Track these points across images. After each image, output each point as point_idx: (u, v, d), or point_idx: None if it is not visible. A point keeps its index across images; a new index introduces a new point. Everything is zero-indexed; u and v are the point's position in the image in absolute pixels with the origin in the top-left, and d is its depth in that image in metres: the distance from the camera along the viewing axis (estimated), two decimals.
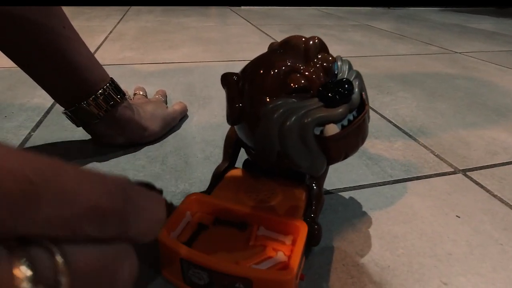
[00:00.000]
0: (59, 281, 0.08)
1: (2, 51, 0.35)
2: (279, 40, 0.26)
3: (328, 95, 0.22)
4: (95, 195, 0.10)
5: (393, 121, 0.55)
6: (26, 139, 0.45)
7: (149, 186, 0.19)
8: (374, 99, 0.63)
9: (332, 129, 0.22)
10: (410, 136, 0.50)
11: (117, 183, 0.10)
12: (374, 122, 0.54)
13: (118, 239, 0.10)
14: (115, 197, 0.10)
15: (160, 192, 0.18)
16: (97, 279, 0.10)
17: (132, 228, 0.10)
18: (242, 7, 1.89)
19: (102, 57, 0.82)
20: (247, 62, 0.24)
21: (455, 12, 2.06)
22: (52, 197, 0.09)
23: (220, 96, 0.62)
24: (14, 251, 0.08)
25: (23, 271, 0.08)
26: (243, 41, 1.06)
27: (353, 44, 1.09)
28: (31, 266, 0.08)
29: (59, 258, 0.09)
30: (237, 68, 0.24)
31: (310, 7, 2.00)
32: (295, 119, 0.21)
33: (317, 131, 0.22)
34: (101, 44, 0.95)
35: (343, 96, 0.22)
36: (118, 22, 1.29)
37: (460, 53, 1.03)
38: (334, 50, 0.26)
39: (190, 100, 0.59)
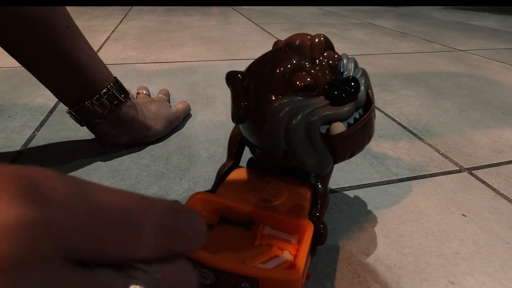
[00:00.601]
0: None
1: (6, 51, 0.35)
2: (281, 39, 0.26)
3: (334, 93, 0.22)
4: (157, 215, 0.11)
5: (397, 120, 0.54)
6: (30, 139, 0.45)
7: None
8: (377, 97, 0.63)
9: (338, 128, 0.22)
10: (414, 134, 0.50)
11: (186, 208, 0.12)
12: (378, 120, 0.54)
13: (178, 255, 0.12)
14: (190, 221, 0.12)
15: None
16: None
17: (190, 244, 0.12)
18: (244, 6, 1.89)
19: (104, 56, 0.82)
20: (250, 61, 0.24)
21: (458, 10, 2.05)
22: (153, 229, 0.10)
23: (223, 94, 0.62)
24: (126, 274, 0.10)
25: None
26: (246, 40, 1.06)
27: (356, 42, 1.08)
28: (140, 282, 0.10)
29: (157, 277, 0.10)
30: (240, 67, 0.24)
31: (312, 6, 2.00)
32: (301, 118, 0.21)
33: (323, 129, 0.22)
34: (103, 44, 0.95)
35: (349, 94, 0.22)
36: (120, 22, 1.29)
37: (463, 50, 1.02)
38: (337, 48, 0.25)
39: (194, 99, 0.59)
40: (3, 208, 0.07)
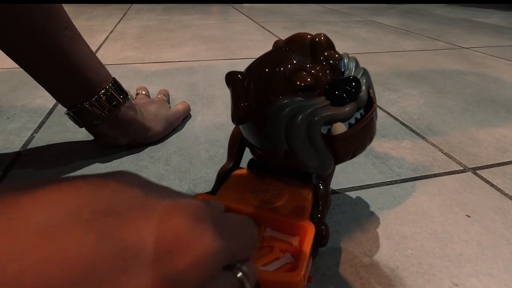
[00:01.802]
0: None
1: (4, 52, 0.35)
2: (282, 38, 0.26)
3: (335, 93, 0.22)
4: (254, 231, 0.16)
5: (400, 119, 0.54)
6: (28, 141, 0.45)
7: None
8: (380, 96, 0.63)
9: (339, 128, 0.22)
10: (417, 134, 0.50)
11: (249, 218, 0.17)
12: (380, 120, 0.54)
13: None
14: (256, 228, 0.17)
15: None
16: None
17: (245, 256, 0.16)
18: (244, 4, 1.89)
19: (103, 56, 0.83)
20: (250, 60, 0.24)
21: (462, 6, 2.04)
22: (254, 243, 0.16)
23: (223, 95, 0.62)
24: (234, 271, 0.14)
25: (241, 278, 0.14)
26: (246, 38, 1.06)
27: (358, 40, 1.08)
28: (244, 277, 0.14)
29: (247, 271, 0.15)
30: (240, 66, 0.25)
31: (313, 3, 2.00)
32: (302, 118, 0.21)
33: (324, 130, 0.22)
34: (102, 44, 0.96)
35: (350, 94, 0.22)
36: (119, 21, 1.30)
37: (468, 48, 1.02)
38: (339, 46, 0.26)
39: (193, 100, 0.59)
40: (208, 238, 0.12)
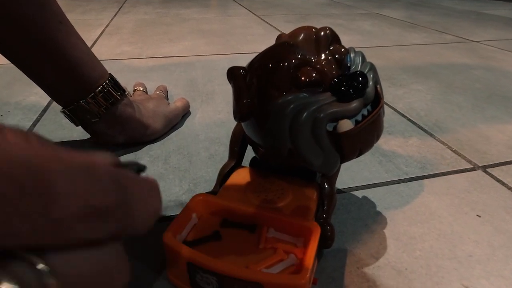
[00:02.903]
0: None
1: None
2: (284, 31, 0.26)
3: (341, 89, 0.22)
4: (88, 192, 0.09)
5: (407, 116, 0.54)
6: None
7: (135, 167, 0.16)
8: (386, 92, 0.63)
9: (346, 125, 0.22)
10: (425, 131, 0.50)
11: (110, 173, 0.10)
12: (387, 116, 0.53)
13: (111, 238, 0.10)
14: (110, 192, 0.09)
15: (143, 168, 0.16)
16: (92, 286, 0.09)
17: (127, 224, 0.10)
18: None
19: (99, 52, 0.82)
20: (251, 55, 0.24)
21: None
22: (38, 198, 0.08)
23: (224, 91, 0.62)
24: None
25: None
26: (247, 32, 1.05)
27: (363, 34, 1.08)
28: (15, 281, 0.08)
29: (44, 270, 0.08)
30: (241, 61, 0.24)
31: None
32: (306, 115, 0.21)
33: (330, 127, 0.22)
34: (97, 39, 0.96)
35: (357, 90, 0.22)
36: (115, 15, 1.30)
37: (476, 41, 1.02)
38: (342, 40, 0.25)
39: (193, 96, 0.59)
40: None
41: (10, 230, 0.07)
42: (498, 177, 0.40)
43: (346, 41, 0.98)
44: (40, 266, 0.08)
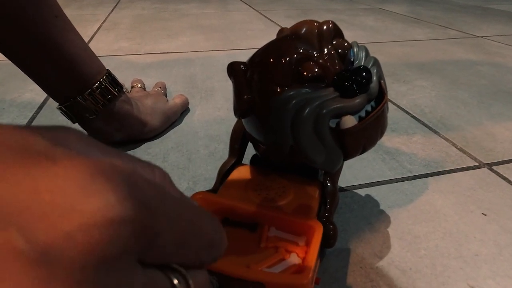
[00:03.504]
0: None
1: None
2: (286, 27, 0.26)
3: (344, 84, 0.22)
4: (211, 229, 0.12)
5: (411, 112, 0.54)
6: None
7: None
8: (390, 88, 0.63)
9: (349, 121, 0.22)
10: (430, 128, 0.50)
11: (210, 213, 0.13)
12: (390, 113, 0.53)
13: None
14: (219, 228, 0.13)
15: None
16: None
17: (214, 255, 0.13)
18: None
19: (96, 48, 0.82)
20: (251, 51, 0.24)
21: None
22: (204, 242, 0.12)
23: (223, 87, 0.61)
24: (169, 276, 0.11)
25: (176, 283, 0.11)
26: (247, 28, 1.05)
27: (365, 29, 1.08)
28: (180, 279, 0.11)
29: (190, 281, 0.12)
30: (241, 57, 0.24)
31: None
32: (309, 111, 0.21)
33: (332, 123, 0.22)
34: (94, 34, 0.95)
35: (360, 85, 0.22)
36: (112, 10, 1.29)
37: (482, 37, 1.01)
38: (345, 36, 0.25)
39: (192, 93, 0.59)
40: (102, 201, 0.08)
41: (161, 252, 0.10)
42: (504, 175, 0.39)
43: (349, 36, 0.97)
44: (189, 278, 0.12)
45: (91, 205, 0.08)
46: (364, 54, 0.25)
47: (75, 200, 0.08)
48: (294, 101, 0.21)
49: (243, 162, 0.32)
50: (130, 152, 0.42)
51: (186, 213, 0.11)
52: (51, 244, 0.08)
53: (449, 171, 0.40)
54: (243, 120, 0.26)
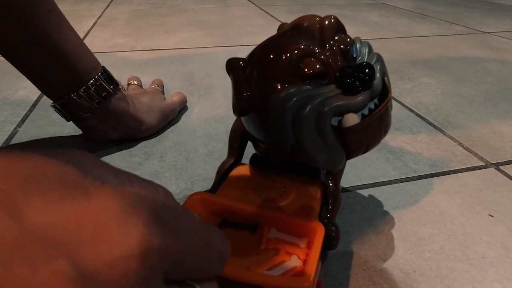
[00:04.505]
0: None
1: None
2: (286, 22, 0.26)
3: (346, 81, 0.22)
4: (219, 242, 0.14)
5: (416, 110, 0.54)
6: (11, 136, 0.45)
7: None
8: (393, 86, 0.63)
9: (351, 119, 0.22)
10: (435, 126, 0.50)
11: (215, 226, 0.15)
12: (394, 111, 0.53)
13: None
14: (225, 239, 0.14)
15: None
16: None
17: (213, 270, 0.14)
18: None
19: (91, 44, 0.82)
20: (251, 48, 0.24)
21: None
22: (216, 256, 0.14)
23: (222, 85, 0.61)
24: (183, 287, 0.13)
25: None
26: (246, 24, 1.05)
27: (369, 25, 1.08)
28: None
29: None
30: (240, 53, 0.24)
31: None
32: (310, 109, 0.21)
33: (335, 121, 0.22)
34: (89, 30, 0.95)
35: (363, 82, 0.22)
36: (108, 6, 1.29)
37: (489, 33, 1.01)
38: (348, 32, 0.25)
39: (190, 90, 0.59)
40: (136, 233, 0.10)
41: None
42: (511, 175, 0.39)
43: (352, 32, 0.97)
44: None
45: (128, 237, 0.10)
46: (367, 50, 0.25)
47: (114, 232, 0.10)
48: (295, 99, 0.21)
49: (242, 161, 0.32)
50: (126, 151, 0.42)
51: (199, 231, 0.13)
52: (96, 271, 0.09)
53: (455, 171, 0.40)
54: (242, 118, 0.26)
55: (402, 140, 0.46)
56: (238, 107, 0.24)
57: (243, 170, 0.31)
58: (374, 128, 0.23)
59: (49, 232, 0.09)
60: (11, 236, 0.08)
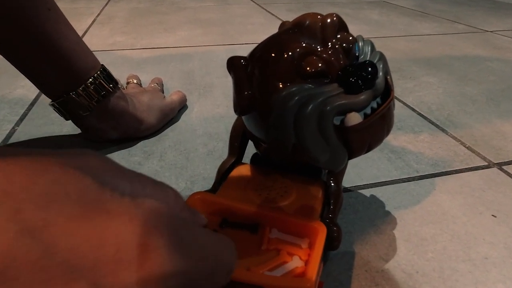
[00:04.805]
0: None
1: None
2: (288, 20, 0.26)
3: (349, 80, 0.22)
4: (229, 255, 0.15)
5: (418, 110, 0.54)
6: (9, 135, 0.45)
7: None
8: (395, 84, 0.63)
9: (354, 118, 0.22)
10: (437, 126, 0.50)
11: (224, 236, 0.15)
12: (396, 110, 0.53)
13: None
14: (234, 251, 0.15)
15: None
16: None
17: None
18: None
19: (90, 42, 0.82)
20: (251, 46, 0.24)
21: None
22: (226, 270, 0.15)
23: (223, 83, 0.61)
24: None
25: None
26: (247, 22, 1.05)
27: (370, 23, 1.07)
28: None
29: None
30: (240, 52, 0.24)
31: None
32: (312, 108, 0.21)
33: (337, 120, 0.22)
34: (88, 28, 0.95)
35: (366, 81, 0.22)
36: (107, 3, 1.29)
37: (491, 31, 1.01)
38: (349, 30, 0.26)
39: (190, 89, 0.59)
40: (157, 259, 0.11)
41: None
42: None
43: (353, 31, 0.96)
44: None
45: (149, 262, 0.10)
46: (369, 48, 0.25)
47: (135, 257, 0.10)
48: (296, 98, 0.21)
49: (243, 161, 0.32)
50: (126, 151, 0.42)
51: (212, 249, 0.14)
52: None
53: (457, 171, 0.40)
54: (243, 117, 0.26)
55: (404, 139, 0.46)
56: (239, 106, 0.24)
57: (243, 169, 0.31)
58: (376, 128, 0.23)
59: (70, 255, 0.09)
60: (34, 257, 0.09)
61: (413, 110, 0.54)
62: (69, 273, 0.09)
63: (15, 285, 0.08)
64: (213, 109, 0.53)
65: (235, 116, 0.31)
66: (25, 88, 0.57)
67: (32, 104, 0.53)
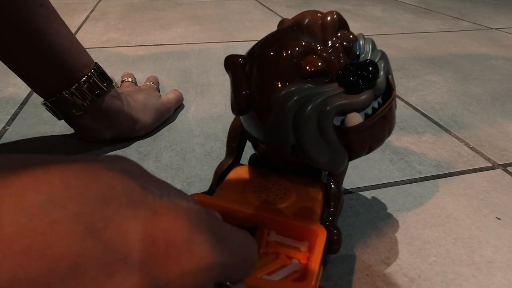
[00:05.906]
0: None
1: None
2: (286, 17, 0.26)
3: (349, 79, 0.22)
4: (254, 249, 0.16)
5: (421, 109, 0.54)
6: (0, 135, 0.45)
7: None
8: (398, 83, 0.63)
9: (354, 119, 0.22)
10: (440, 126, 0.50)
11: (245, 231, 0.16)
12: (398, 110, 0.53)
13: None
14: (255, 245, 0.16)
15: None
16: None
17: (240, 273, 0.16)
18: None
19: (83, 39, 0.82)
20: (250, 44, 0.24)
21: None
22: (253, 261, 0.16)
23: (220, 82, 0.61)
24: None
25: None
26: (245, 18, 1.05)
27: (372, 20, 1.08)
28: None
29: None
30: (238, 50, 0.24)
31: None
32: (311, 108, 0.21)
33: (337, 121, 0.22)
34: (81, 25, 0.95)
35: (366, 81, 0.22)
36: None
37: (496, 29, 1.01)
38: (350, 28, 0.26)
39: (186, 88, 0.59)
40: (202, 252, 0.12)
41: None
42: None
43: (354, 28, 0.97)
44: None
45: (195, 255, 0.12)
46: (370, 47, 0.25)
47: (183, 250, 0.12)
48: (296, 97, 0.21)
49: (241, 162, 0.32)
50: (120, 152, 0.42)
51: (242, 243, 0.15)
52: (168, 283, 0.11)
53: (461, 172, 0.40)
54: (241, 117, 0.26)
55: (407, 140, 0.46)
56: (237, 106, 0.24)
57: (241, 171, 0.31)
58: (377, 128, 0.23)
59: (128, 251, 0.11)
60: (98, 255, 0.10)
61: (416, 109, 0.54)
62: (128, 268, 0.10)
63: (85, 279, 0.10)
64: (210, 109, 0.53)
65: (233, 116, 0.31)
66: (16, 86, 0.57)
67: (24, 103, 0.53)
